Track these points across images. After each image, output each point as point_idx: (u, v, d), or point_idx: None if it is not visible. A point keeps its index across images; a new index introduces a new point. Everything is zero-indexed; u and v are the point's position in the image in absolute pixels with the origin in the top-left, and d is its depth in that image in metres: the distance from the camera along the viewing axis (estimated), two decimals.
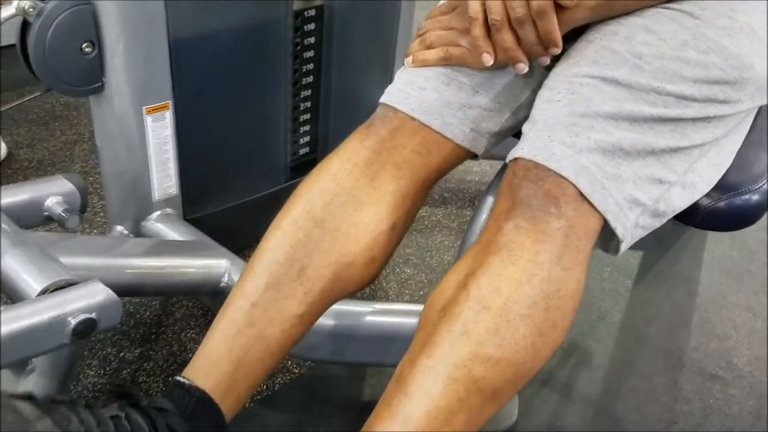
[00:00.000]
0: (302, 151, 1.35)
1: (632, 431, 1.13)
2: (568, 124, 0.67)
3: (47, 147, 1.60)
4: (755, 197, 0.80)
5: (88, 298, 0.79)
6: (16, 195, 0.98)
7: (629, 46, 0.69)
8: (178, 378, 0.71)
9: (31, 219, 0.99)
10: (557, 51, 0.73)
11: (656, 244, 1.55)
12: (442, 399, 0.62)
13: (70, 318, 0.77)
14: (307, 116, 1.31)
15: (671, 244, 1.57)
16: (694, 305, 1.41)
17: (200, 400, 0.70)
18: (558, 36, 0.71)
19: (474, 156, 0.82)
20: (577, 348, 1.26)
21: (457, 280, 0.67)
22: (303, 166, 1.36)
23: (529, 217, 0.65)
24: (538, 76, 0.79)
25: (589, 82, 0.69)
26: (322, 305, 0.77)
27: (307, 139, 1.34)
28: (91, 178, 1.54)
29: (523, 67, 0.74)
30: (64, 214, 0.98)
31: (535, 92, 0.76)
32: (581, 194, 0.65)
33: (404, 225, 0.80)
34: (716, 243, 1.58)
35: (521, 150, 0.69)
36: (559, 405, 1.16)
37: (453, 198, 1.63)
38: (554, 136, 0.67)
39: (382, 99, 0.80)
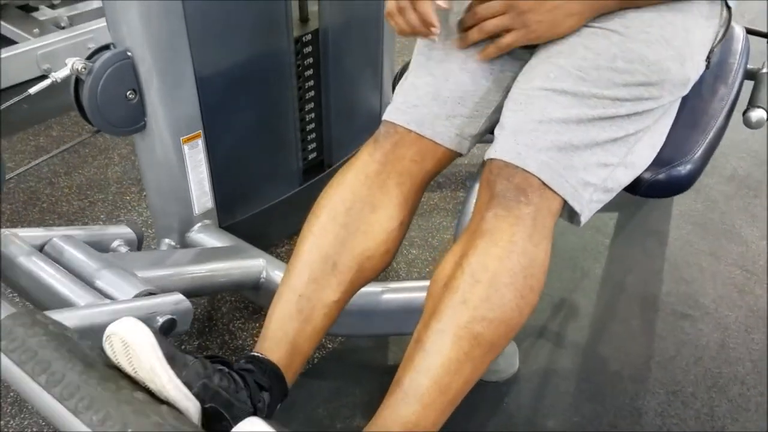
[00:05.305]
0: (311, 156, 1.55)
1: (616, 369, 1.32)
2: (529, 129, 0.86)
3: (83, 173, 1.77)
4: (688, 167, 0.99)
5: (172, 304, 1.00)
6: (92, 234, 1.18)
7: (571, 61, 0.88)
8: (253, 353, 0.89)
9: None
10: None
11: (629, 206, 1.74)
12: (452, 353, 0.80)
13: (158, 316, 0.97)
14: (312, 126, 1.50)
15: (642, 204, 1.75)
16: (664, 255, 1.60)
17: (272, 371, 0.87)
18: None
19: (459, 155, 1.01)
20: (565, 302, 1.46)
21: (454, 260, 0.85)
22: (313, 169, 1.56)
23: (504, 206, 0.84)
24: (506, 86, 0.98)
25: (542, 94, 0.88)
26: (351, 291, 0.96)
27: (314, 145, 1.54)
28: (127, 198, 1.72)
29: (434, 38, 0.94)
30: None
31: (503, 99, 0.95)
32: (544, 184, 0.84)
33: (409, 220, 1.00)
34: (682, 198, 1.77)
35: (495, 152, 0.88)
36: (553, 353, 1.35)
37: (447, 182, 1.82)
38: (519, 140, 0.86)
39: (384, 117, 0.99)
